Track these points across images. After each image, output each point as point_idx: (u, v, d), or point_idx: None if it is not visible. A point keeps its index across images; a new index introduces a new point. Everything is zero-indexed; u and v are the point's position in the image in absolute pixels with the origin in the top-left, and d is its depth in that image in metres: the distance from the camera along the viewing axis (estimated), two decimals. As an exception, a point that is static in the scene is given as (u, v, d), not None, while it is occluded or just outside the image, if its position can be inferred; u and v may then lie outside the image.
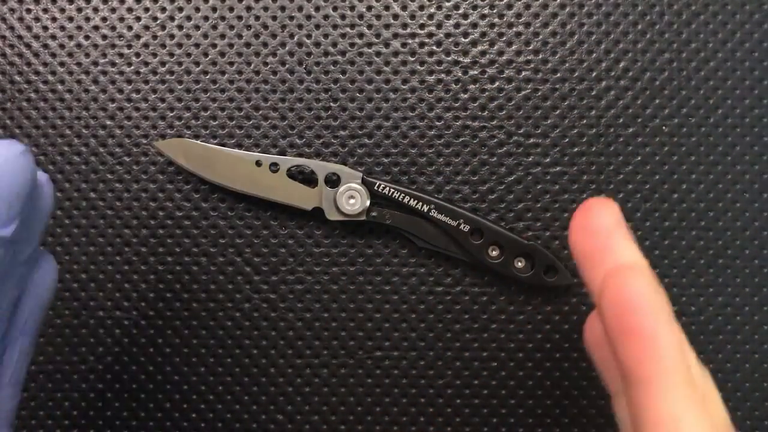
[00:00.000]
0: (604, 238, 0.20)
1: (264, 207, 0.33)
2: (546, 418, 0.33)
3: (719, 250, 0.33)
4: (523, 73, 0.33)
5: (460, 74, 0.33)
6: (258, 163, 0.32)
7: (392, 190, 0.31)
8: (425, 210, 0.31)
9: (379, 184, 0.31)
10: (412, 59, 0.33)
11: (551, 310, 0.33)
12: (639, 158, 0.33)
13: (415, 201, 0.31)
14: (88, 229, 0.33)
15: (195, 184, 0.33)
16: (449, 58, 0.33)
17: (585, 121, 0.33)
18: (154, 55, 0.33)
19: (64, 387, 0.33)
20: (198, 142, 0.32)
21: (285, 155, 0.33)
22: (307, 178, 0.32)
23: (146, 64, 0.33)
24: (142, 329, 0.33)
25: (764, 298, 0.33)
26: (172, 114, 0.33)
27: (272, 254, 0.33)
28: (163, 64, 0.33)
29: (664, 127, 0.33)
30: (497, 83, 0.33)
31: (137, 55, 0.33)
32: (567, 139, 0.33)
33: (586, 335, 0.24)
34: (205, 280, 0.33)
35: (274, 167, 0.32)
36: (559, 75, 0.33)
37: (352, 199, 0.31)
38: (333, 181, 0.32)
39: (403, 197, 0.31)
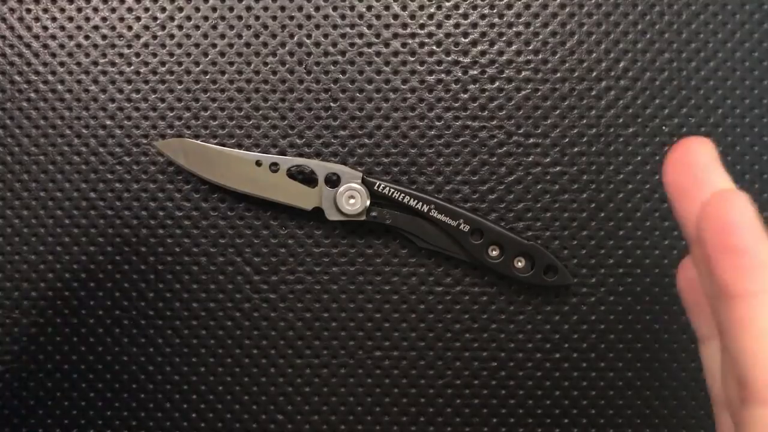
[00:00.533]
0: (701, 172, 0.20)
1: (264, 207, 0.33)
2: (546, 418, 0.33)
3: (719, 250, 0.33)
4: (523, 73, 0.33)
5: (460, 74, 0.33)
6: (258, 163, 0.32)
7: (392, 190, 0.31)
8: (425, 210, 0.31)
9: (379, 184, 0.31)
10: (412, 59, 0.33)
11: (551, 310, 0.33)
12: (639, 158, 0.33)
13: (415, 201, 0.31)
14: (88, 228, 0.33)
15: (195, 184, 0.33)
16: (449, 58, 0.33)
17: (585, 121, 0.33)
18: (154, 55, 0.33)
19: (64, 386, 0.33)
20: (198, 142, 0.32)
21: (285, 155, 0.33)
22: (307, 178, 0.32)
23: (146, 64, 0.33)
24: (141, 329, 0.33)
25: (764, 298, 0.33)
26: (172, 114, 0.33)
27: (272, 254, 0.33)
28: (163, 64, 0.33)
29: (664, 127, 0.33)
30: (497, 83, 0.33)
31: (137, 55, 0.33)
32: (567, 139, 0.33)
33: (679, 279, 0.25)
34: (205, 280, 0.33)
35: (274, 167, 0.32)
36: (559, 75, 0.33)
37: (352, 199, 0.31)
38: (333, 181, 0.32)
39: (403, 197, 0.31)
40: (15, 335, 0.33)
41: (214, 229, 0.33)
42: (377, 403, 0.33)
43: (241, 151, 0.32)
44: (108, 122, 0.33)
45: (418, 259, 0.33)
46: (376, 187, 0.31)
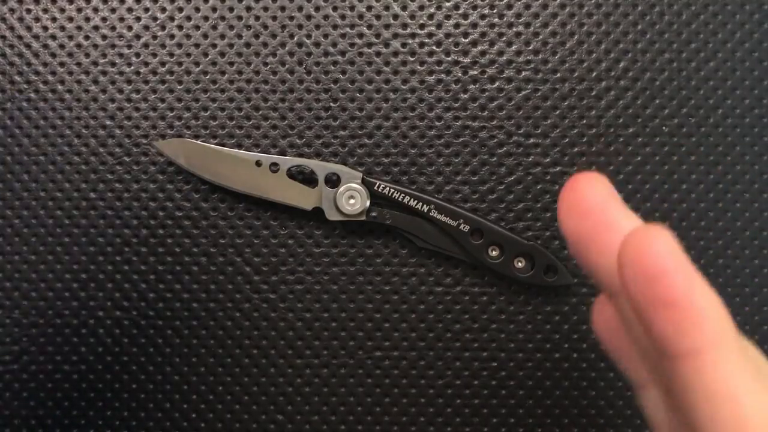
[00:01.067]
0: (601, 214, 0.17)
1: (264, 207, 0.33)
2: (546, 418, 0.33)
3: (719, 250, 0.33)
4: (523, 73, 0.33)
5: (460, 74, 0.33)
6: (258, 163, 0.32)
7: (392, 190, 0.31)
8: (425, 210, 0.31)
9: (379, 185, 0.31)
10: (412, 59, 0.33)
11: (551, 310, 0.33)
12: (639, 158, 0.33)
13: (415, 201, 0.31)
14: (88, 229, 0.33)
15: (195, 184, 0.33)
16: (449, 59, 0.33)
17: (585, 121, 0.33)
18: (154, 55, 0.33)
19: (64, 387, 0.33)
20: (198, 142, 0.32)
21: (285, 155, 0.33)
22: (307, 178, 0.32)
23: (146, 64, 0.33)
24: (141, 329, 0.33)
25: (764, 298, 0.33)
26: (172, 114, 0.33)
27: (272, 254, 0.33)
28: (162, 64, 0.33)
29: (664, 127, 0.33)
30: (497, 83, 0.33)
31: (137, 55, 0.33)
32: (567, 139, 0.33)
33: (596, 326, 0.22)
34: (205, 280, 0.33)
35: (274, 167, 0.32)
36: (559, 75, 0.33)
37: (352, 199, 0.31)
38: (333, 181, 0.32)
39: (403, 197, 0.31)
40: (15, 335, 0.33)
41: (214, 229, 0.33)
42: (377, 404, 0.33)
43: (241, 151, 0.32)
44: (108, 122, 0.33)
45: (418, 259, 0.33)
46: (376, 188, 0.31)
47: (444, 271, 0.33)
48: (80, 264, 0.33)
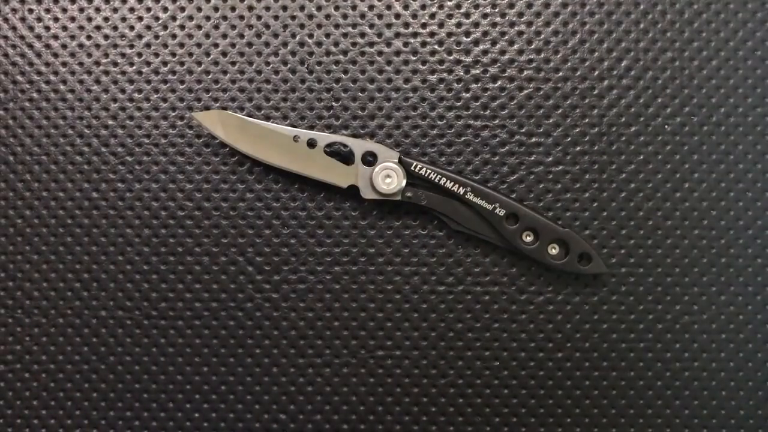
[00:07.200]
0: None
1: (264, 207, 0.33)
2: (548, 417, 0.33)
3: (721, 248, 0.33)
4: (525, 72, 0.33)
5: (462, 73, 0.33)
6: (295, 139, 0.32)
7: (429, 170, 0.31)
8: (461, 192, 0.31)
9: (416, 165, 0.31)
10: (414, 58, 0.33)
11: (553, 310, 0.33)
12: (641, 157, 0.33)
13: (452, 183, 0.31)
14: (90, 228, 0.33)
15: (197, 184, 0.33)
16: (451, 57, 0.33)
17: (587, 120, 0.33)
18: (156, 54, 0.33)
19: (67, 386, 0.33)
20: (237, 114, 0.32)
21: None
22: (343, 157, 0.32)
23: (148, 63, 0.33)
24: (144, 329, 0.33)
25: (766, 296, 0.33)
26: (173, 114, 0.33)
27: (274, 254, 0.33)
28: (164, 63, 0.33)
29: (666, 126, 0.33)
30: (499, 82, 0.33)
31: (139, 54, 0.33)
32: (569, 138, 0.33)
33: None
34: (207, 280, 0.33)
35: (311, 143, 0.32)
36: (561, 74, 0.33)
37: (388, 178, 0.31)
38: (369, 161, 0.31)
39: (440, 178, 0.31)
40: (18, 335, 0.33)
41: (216, 228, 0.33)
42: (379, 402, 0.33)
43: (279, 125, 0.32)
44: (110, 122, 0.33)
45: (421, 258, 0.33)
46: (412, 168, 0.31)
47: (446, 270, 0.33)
48: (83, 264, 0.33)
